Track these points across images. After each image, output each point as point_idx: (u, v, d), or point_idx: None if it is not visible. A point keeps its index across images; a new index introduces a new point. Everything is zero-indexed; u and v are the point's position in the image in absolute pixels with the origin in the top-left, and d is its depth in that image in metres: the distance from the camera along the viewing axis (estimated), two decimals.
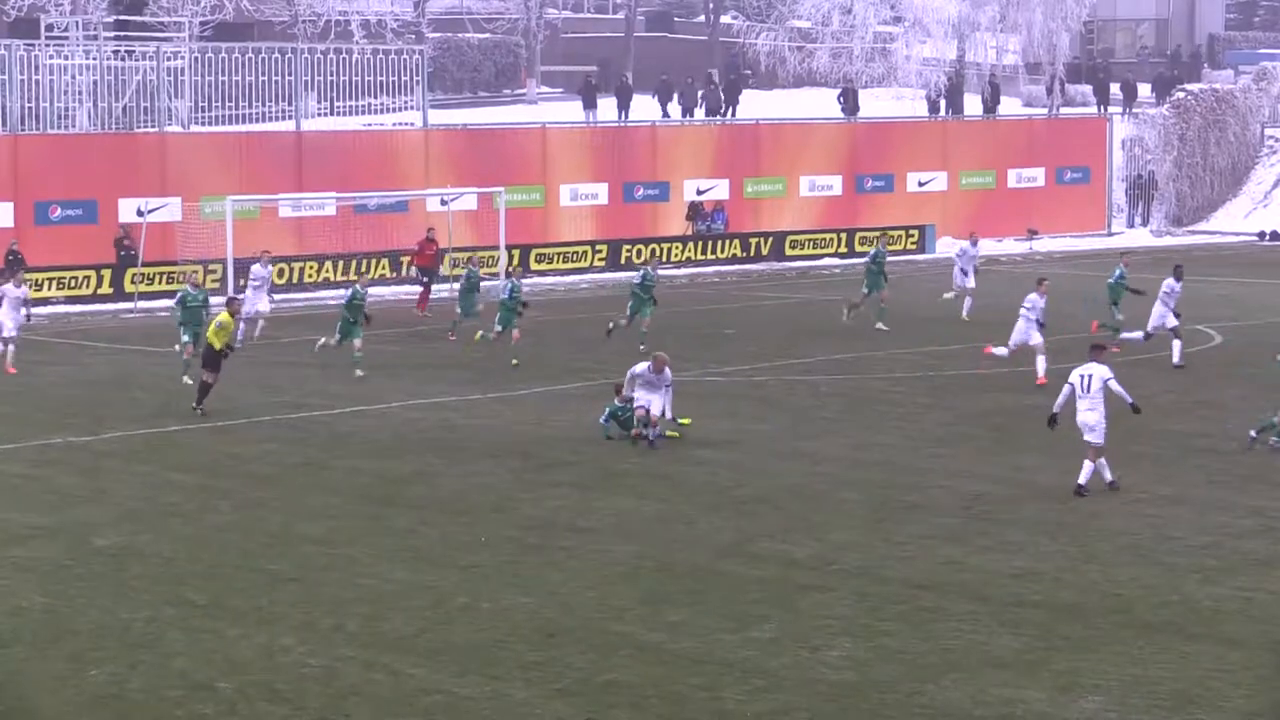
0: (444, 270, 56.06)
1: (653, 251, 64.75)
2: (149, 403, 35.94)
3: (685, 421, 32.01)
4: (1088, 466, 27.30)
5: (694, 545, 24.05)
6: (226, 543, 24.31)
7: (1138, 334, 41.18)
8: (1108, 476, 27.48)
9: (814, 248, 71.15)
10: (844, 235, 72.06)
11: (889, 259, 49.40)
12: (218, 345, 34.25)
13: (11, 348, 39.42)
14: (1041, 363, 37.27)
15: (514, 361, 40.50)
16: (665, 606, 20.98)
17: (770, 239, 70.47)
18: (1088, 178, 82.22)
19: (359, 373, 38.36)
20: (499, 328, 42.10)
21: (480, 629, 20.12)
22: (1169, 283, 40.55)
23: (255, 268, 46.32)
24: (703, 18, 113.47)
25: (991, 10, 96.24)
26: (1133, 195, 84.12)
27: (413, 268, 56.97)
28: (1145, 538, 24.36)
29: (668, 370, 31.07)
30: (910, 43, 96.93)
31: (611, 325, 43.23)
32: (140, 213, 57.22)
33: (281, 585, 22.05)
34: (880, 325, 45.84)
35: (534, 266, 62.48)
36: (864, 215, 74.70)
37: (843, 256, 70.27)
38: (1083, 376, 27.51)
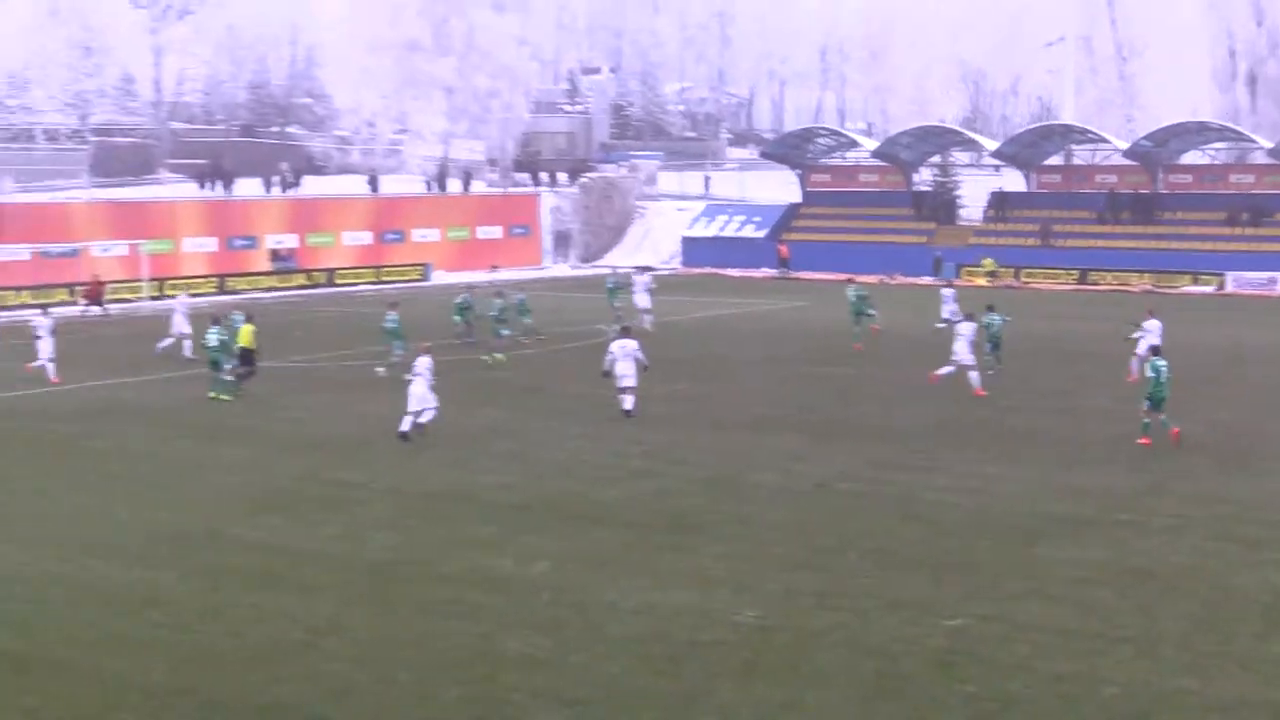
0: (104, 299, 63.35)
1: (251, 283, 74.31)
2: None
3: None
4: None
5: None
6: None
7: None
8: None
9: (354, 278, 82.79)
10: (373, 270, 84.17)
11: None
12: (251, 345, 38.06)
13: None
14: (628, 400, 34.89)
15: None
16: None
17: (325, 273, 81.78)
18: (529, 232, 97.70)
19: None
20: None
21: None
22: (642, 279, 48.50)
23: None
24: (276, 128, 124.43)
25: (464, 125, 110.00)
26: (556, 243, 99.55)
27: (82, 300, 64.65)
28: None
29: None
30: (413, 145, 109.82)
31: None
32: None
33: None
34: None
35: (167, 293, 68.53)
36: (388, 258, 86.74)
37: (371, 284, 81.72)
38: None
